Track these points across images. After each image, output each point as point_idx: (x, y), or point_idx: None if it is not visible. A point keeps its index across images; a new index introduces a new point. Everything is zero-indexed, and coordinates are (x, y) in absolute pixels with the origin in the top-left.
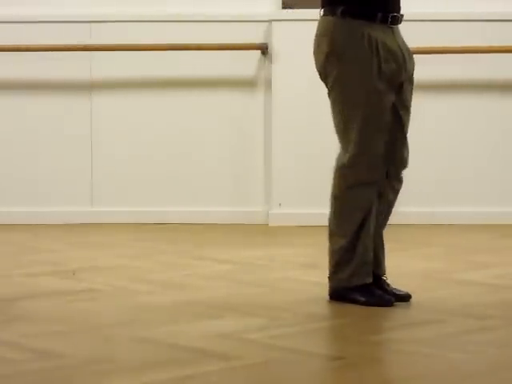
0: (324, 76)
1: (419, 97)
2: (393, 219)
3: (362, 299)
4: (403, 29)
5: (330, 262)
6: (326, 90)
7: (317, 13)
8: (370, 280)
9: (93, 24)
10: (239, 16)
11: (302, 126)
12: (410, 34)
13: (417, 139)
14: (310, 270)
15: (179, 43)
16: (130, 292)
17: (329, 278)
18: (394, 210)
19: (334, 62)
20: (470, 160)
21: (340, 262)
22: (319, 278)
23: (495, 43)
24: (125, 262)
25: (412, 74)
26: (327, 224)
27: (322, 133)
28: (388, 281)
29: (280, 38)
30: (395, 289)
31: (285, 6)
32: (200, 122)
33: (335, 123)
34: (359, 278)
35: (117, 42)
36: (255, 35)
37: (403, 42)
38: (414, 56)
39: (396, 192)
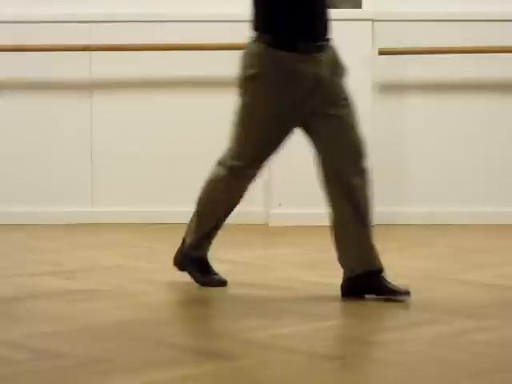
0: (239, 88)
1: (419, 97)
2: (393, 219)
3: (201, 279)
4: (403, 29)
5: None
6: None
7: None
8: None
9: (93, 24)
10: (239, 16)
11: None
12: (410, 34)
13: (417, 139)
14: (310, 270)
15: (179, 43)
16: (129, 292)
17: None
18: (394, 210)
19: (250, 83)
20: (469, 160)
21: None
22: (319, 278)
23: (495, 43)
24: (125, 262)
25: (337, 95)
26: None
27: None
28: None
29: None
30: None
31: None
32: (200, 121)
33: (233, 128)
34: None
35: (117, 42)
36: None
37: (332, 63)
38: (413, 56)
39: (363, 185)
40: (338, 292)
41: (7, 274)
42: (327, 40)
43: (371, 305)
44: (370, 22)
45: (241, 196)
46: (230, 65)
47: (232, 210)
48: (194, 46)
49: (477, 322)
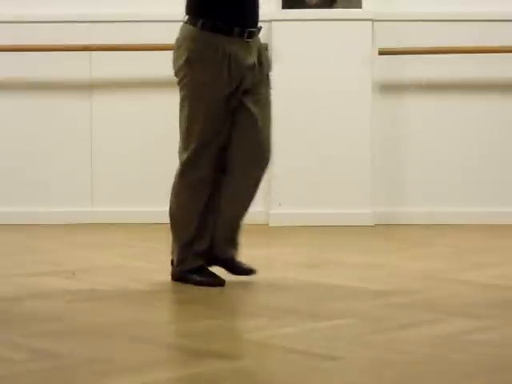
0: (177, 77)
1: (419, 97)
2: (393, 219)
3: (198, 279)
4: (403, 29)
5: (172, 248)
6: (325, 90)
7: (317, 13)
8: (202, 263)
9: (93, 24)
10: None
11: (302, 125)
12: (410, 34)
13: (417, 139)
14: (310, 270)
15: None
16: (129, 292)
17: (171, 263)
18: (394, 210)
19: (187, 68)
20: (469, 160)
21: (179, 251)
22: (319, 278)
23: (495, 43)
24: (124, 262)
25: (264, 78)
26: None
27: (321, 133)
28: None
29: (280, 37)
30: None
31: (285, 6)
32: None
33: (180, 121)
34: (195, 262)
35: (117, 42)
36: None
37: (260, 50)
38: (413, 56)
39: (257, 179)
40: (339, 292)
41: (7, 274)
42: (258, 27)
43: (371, 305)
44: (370, 22)
45: (206, 195)
46: None
47: (207, 214)
48: None
49: (477, 322)
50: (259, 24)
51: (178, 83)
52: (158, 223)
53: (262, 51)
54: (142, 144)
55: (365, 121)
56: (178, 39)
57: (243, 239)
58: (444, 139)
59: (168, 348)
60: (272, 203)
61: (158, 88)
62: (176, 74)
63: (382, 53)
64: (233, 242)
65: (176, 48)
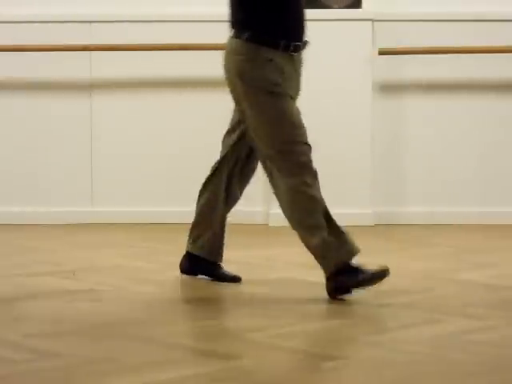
0: (233, 94)
1: (419, 97)
2: (393, 219)
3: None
4: (403, 29)
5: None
6: (325, 90)
7: (317, 13)
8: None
9: (93, 24)
10: None
11: None
12: (409, 34)
13: (417, 139)
14: (310, 270)
15: (179, 43)
16: (130, 292)
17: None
18: (394, 210)
19: (238, 83)
20: (469, 160)
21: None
22: (319, 278)
23: (495, 43)
24: (125, 262)
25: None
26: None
27: (321, 133)
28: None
29: None
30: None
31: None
32: (200, 121)
33: (256, 130)
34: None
35: (117, 42)
36: None
37: (300, 67)
38: (412, 56)
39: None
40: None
41: (7, 274)
42: (305, 41)
43: (371, 305)
44: (370, 22)
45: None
46: None
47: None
48: (193, 46)
49: (477, 322)
50: (306, 38)
51: (235, 98)
52: (158, 223)
53: (302, 64)
54: (142, 144)
55: (365, 121)
56: (225, 53)
57: (243, 239)
58: (444, 139)
59: (168, 348)
60: (272, 203)
61: (158, 88)
62: (231, 91)
63: (381, 53)
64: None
65: (224, 62)
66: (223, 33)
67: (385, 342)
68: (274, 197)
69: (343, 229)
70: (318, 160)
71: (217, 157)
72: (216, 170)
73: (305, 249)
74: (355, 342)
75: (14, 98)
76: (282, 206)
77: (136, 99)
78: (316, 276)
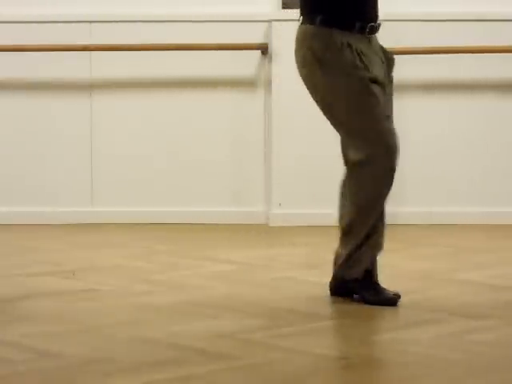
0: (305, 81)
1: (419, 97)
2: (393, 219)
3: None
4: (402, 29)
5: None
6: None
7: None
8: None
9: (93, 24)
10: (239, 16)
11: (302, 125)
12: (409, 34)
13: (417, 139)
14: (310, 270)
15: (179, 43)
16: (129, 292)
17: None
18: (394, 210)
19: (315, 70)
20: (469, 160)
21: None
22: (319, 278)
23: (495, 43)
24: (125, 262)
25: (390, 76)
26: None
27: (321, 133)
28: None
29: (280, 38)
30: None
31: (285, 6)
32: (200, 121)
33: (337, 125)
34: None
35: (117, 42)
36: (255, 35)
37: (380, 48)
38: (412, 56)
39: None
40: None
41: (7, 274)
42: (379, 23)
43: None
44: None
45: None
46: (230, 65)
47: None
48: (193, 46)
49: (477, 322)
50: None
51: (311, 87)
52: (158, 223)
53: (384, 49)
54: (142, 144)
55: None
56: (297, 40)
57: (243, 239)
58: (444, 139)
59: (168, 348)
60: (272, 203)
61: (158, 88)
62: (304, 79)
63: None
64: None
65: (297, 50)
66: (223, 33)
67: (385, 341)
68: (273, 197)
69: None
70: (318, 160)
71: (216, 156)
72: None
73: (304, 249)
74: (355, 341)
75: (14, 97)
76: None
77: (136, 99)
78: (316, 276)
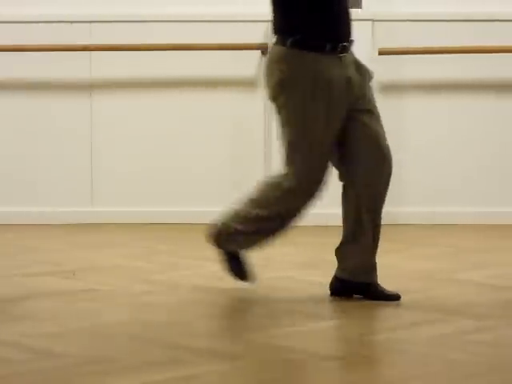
0: (273, 99)
1: (419, 97)
2: (393, 219)
3: (229, 266)
4: (403, 29)
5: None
6: None
7: None
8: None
9: (93, 24)
10: (239, 16)
11: None
12: (410, 34)
13: (417, 139)
14: (309, 270)
15: (179, 43)
16: (129, 292)
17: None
18: (394, 210)
19: (282, 90)
20: (469, 160)
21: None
22: (319, 278)
23: (495, 43)
24: (125, 262)
25: (368, 87)
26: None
27: None
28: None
29: None
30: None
31: None
32: (200, 121)
33: (283, 145)
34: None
35: (117, 42)
36: (255, 35)
37: (354, 63)
38: (412, 56)
39: (383, 193)
40: None
41: (7, 274)
42: (351, 41)
43: (371, 305)
44: (370, 22)
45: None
46: (230, 65)
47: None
48: (194, 46)
49: (477, 322)
50: (352, 37)
51: (275, 106)
52: (158, 223)
53: (359, 63)
54: (142, 144)
55: None
56: (268, 62)
57: None
58: (444, 139)
59: (168, 348)
60: None
61: (158, 88)
62: (271, 98)
63: (381, 53)
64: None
65: (266, 72)
66: (223, 33)
67: (385, 341)
68: None
69: None
70: None
71: (216, 156)
72: None
73: (304, 249)
74: (355, 341)
75: (14, 97)
76: None
77: (136, 99)
78: (316, 276)
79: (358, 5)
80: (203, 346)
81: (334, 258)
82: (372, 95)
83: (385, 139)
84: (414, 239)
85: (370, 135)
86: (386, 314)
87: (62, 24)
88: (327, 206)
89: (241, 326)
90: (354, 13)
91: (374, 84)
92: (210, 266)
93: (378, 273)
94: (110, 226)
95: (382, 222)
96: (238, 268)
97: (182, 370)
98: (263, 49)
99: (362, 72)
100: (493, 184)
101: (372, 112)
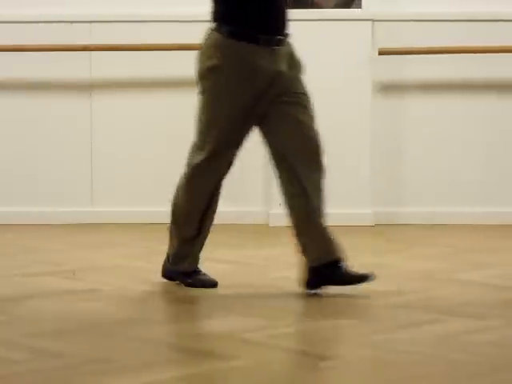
0: (199, 83)
1: (419, 97)
2: (393, 219)
3: (191, 281)
4: (403, 29)
5: (171, 245)
6: (325, 90)
7: (317, 13)
8: (197, 266)
9: (93, 24)
10: None
11: None
12: (410, 34)
13: (417, 139)
14: None
15: (179, 43)
16: (130, 292)
17: (167, 259)
18: (394, 210)
19: (210, 75)
20: (469, 160)
21: (179, 249)
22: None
23: (495, 43)
24: (125, 262)
25: (297, 80)
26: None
27: (321, 132)
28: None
29: None
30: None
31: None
32: None
33: (198, 124)
34: (193, 265)
35: (117, 42)
36: None
37: (288, 55)
38: (413, 56)
39: (318, 180)
40: (338, 292)
41: (7, 274)
42: (286, 34)
43: (371, 305)
44: (370, 22)
45: (211, 196)
46: None
47: (208, 214)
48: (194, 46)
49: (477, 322)
50: (288, 31)
51: (199, 88)
52: (158, 223)
53: (293, 56)
54: (142, 144)
55: (364, 121)
56: (203, 46)
57: (243, 239)
58: (444, 139)
59: (168, 348)
60: (272, 203)
61: (158, 88)
62: (198, 80)
63: (381, 53)
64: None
65: (200, 55)
66: None
67: (384, 342)
68: (273, 197)
69: None
70: None
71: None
72: None
73: None
74: (355, 342)
75: (14, 98)
76: None
77: (136, 99)
78: None
79: (358, 5)
80: (203, 345)
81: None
82: (303, 87)
83: (313, 130)
84: (413, 239)
85: (298, 127)
86: (385, 313)
87: (62, 24)
88: (327, 206)
89: (239, 326)
90: (354, 13)
91: (374, 84)
92: (210, 265)
93: (378, 273)
94: (109, 226)
95: (382, 222)
96: (201, 279)
97: (182, 369)
98: None
99: (295, 65)
100: (493, 184)
101: (300, 104)
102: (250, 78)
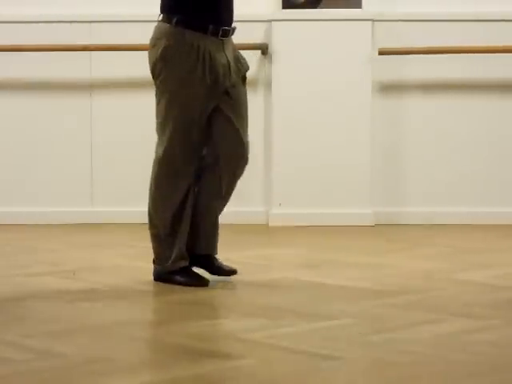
0: (153, 75)
1: (419, 97)
2: (393, 219)
3: (182, 280)
4: (403, 29)
5: (153, 247)
6: (325, 91)
7: (317, 13)
8: (186, 263)
9: (93, 24)
10: (239, 16)
11: (302, 125)
12: (410, 34)
13: (417, 139)
14: (310, 270)
15: None
16: (129, 292)
17: (153, 262)
18: (394, 210)
19: (162, 66)
20: (469, 160)
21: (160, 249)
22: (319, 278)
23: (495, 43)
24: (125, 262)
25: (239, 79)
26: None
27: (321, 132)
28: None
29: (280, 37)
30: (222, 264)
31: (285, 6)
32: None
33: (156, 118)
34: (179, 263)
35: (117, 42)
36: (255, 35)
37: (234, 50)
38: (412, 56)
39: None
40: (339, 292)
41: (7, 274)
42: (233, 28)
43: (371, 305)
44: (370, 22)
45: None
46: None
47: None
48: None
49: (477, 322)
50: (233, 24)
51: (154, 80)
52: None
53: (237, 52)
54: (142, 144)
55: (365, 121)
56: (152, 38)
57: (243, 239)
58: (444, 139)
59: (168, 348)
60: (272, 203)
61: None
62: (152, 72)
63: (381, 53)
64: (214, 239)
65: (151, 47)
66: None
67: (384, 342)
68: (273, 197)
69: None
70: (318, 160)
71: None
72: None
73: (304, 249)
74: (355, 341)
75: (14, 97)
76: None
77: (136, 99)
78: (316, 276)
79: (358, 5)
80: (203, 346)
81: (334, 258)
82: (242, 87)
83: (244, 134)
84: (413, 239)
85: (229, 127)
86: (386, 314)
87: (62, 24)
88: (327, 206)
89: (241, 326)
90: (354, 13)
91: (374, 84)
92: None
93: (379, 273)
94: (109, 226)
95: (383, 222)
96: (194, 276)
97: (182, 370)
98: (263, 49)
99: (240, 61)
100: (493, 184)
101: (236, 105)
102: (202, 63)
